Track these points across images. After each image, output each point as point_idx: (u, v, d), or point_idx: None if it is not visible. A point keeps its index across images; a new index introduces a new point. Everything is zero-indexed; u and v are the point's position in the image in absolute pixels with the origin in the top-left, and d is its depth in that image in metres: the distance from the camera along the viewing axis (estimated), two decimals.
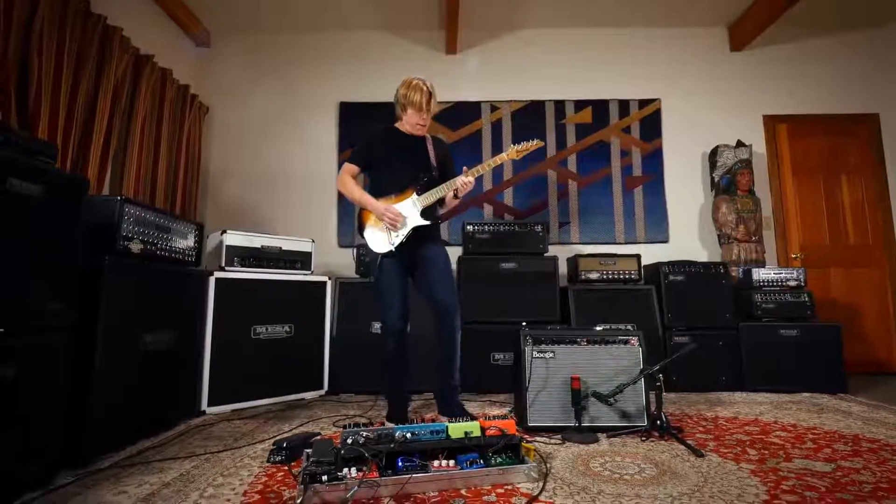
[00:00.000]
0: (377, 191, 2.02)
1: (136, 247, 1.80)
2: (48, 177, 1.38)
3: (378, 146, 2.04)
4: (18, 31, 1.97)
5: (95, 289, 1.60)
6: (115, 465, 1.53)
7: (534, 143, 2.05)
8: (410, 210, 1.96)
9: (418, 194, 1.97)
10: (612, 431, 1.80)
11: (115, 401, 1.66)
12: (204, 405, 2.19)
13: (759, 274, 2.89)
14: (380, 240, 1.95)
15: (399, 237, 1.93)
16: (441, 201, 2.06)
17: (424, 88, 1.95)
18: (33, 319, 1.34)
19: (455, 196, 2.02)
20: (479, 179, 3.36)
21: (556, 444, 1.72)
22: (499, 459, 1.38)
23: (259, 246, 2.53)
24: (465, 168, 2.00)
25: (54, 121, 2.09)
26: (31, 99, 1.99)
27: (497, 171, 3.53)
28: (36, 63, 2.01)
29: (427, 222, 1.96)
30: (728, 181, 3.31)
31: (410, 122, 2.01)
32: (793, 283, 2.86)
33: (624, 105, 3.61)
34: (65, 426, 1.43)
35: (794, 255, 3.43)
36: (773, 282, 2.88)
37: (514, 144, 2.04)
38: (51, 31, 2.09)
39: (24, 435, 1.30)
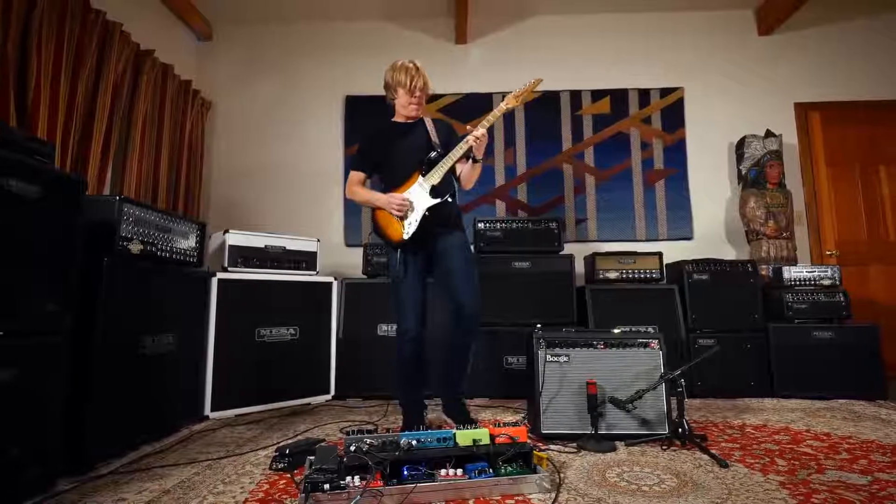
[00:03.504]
0: (386, 188, 1.94)
1: (135, 247, 1.78)
2: (45, 176, 1.36)
3: (377, 145, 1.98)
4: (17, 26, 1.96)
5: (94, 291, 1.58)
6: (116, 472, 1.52)
7: (532, 83, 1.82)
8: (418, 193, 1.86)
9: (423, 175, 1.87)
10: (630, 439, 1.73)
11: (115, 405, 1.65)
12: (207, 410, 2.16)
13: (791, 272, 2.77)
14: (395, 234, 1.87)
15: (412, 225, 1.83)
16: (457, 178, 1.96)
17: (410, 66, 1.91)
18: (30, 322, 1.32)
19: (474, 160, 1.89)
20: (488, 172, 3.34)
21: (570, 452, 1.66)
22: (509, 468, 1.34)
23: (263, 246, 2.49)
24: (468, 126, 1.93)
25: (53, 119, 2.08)
26: (29, 96, 1.98)
27: (509, 166, 3.44)
28: (35, 59, 1.99)
29: (437, 200, 1.83)
30: (756, 174, 3.17)
31: (402, 105, 1.95)
32: (827, 282, 2.73)
33: (644, 94, 3.46)
34: (64, 431, 1.41)
35: (828, 252, 3.27)
36: (805, 280, 2.74)
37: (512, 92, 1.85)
38: (50, 27, 2.07)
39: (22, 440, 1.28)
